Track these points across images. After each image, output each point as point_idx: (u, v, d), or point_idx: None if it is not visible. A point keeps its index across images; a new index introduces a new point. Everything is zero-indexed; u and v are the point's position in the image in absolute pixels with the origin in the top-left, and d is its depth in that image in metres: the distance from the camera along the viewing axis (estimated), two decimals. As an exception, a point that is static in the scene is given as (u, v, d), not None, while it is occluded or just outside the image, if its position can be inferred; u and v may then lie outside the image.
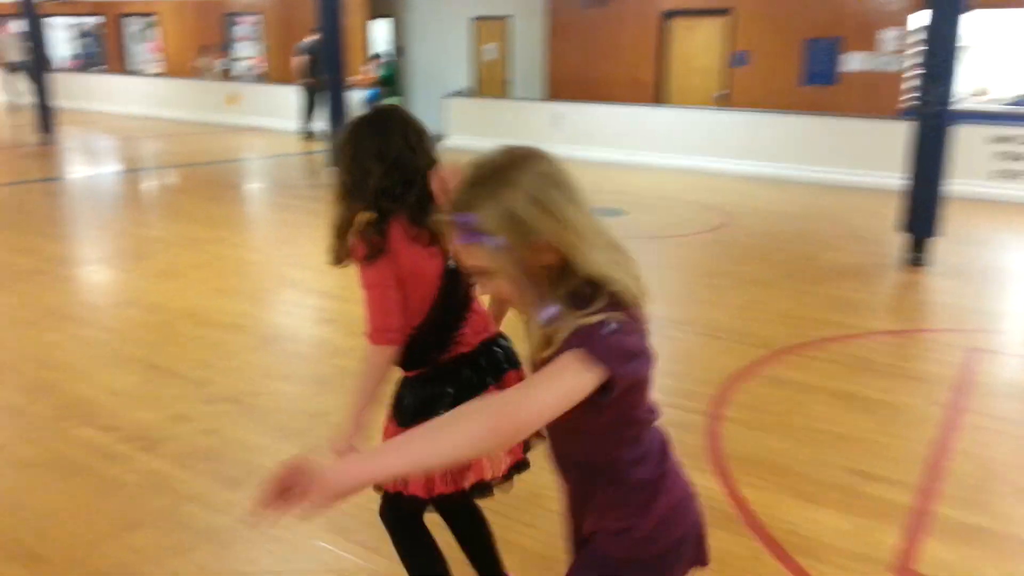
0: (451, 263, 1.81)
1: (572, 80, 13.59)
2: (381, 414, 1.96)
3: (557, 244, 1.22)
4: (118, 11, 18.70)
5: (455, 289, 1.86)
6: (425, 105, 15.19)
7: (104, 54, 20.06)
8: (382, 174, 1.78)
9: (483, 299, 1.98)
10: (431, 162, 1.82)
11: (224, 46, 17.13)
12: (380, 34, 15.69)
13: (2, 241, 6.78)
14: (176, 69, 17.70)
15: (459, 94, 14.12)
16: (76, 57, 20.70)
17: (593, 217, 1.27)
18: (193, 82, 17.09)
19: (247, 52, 17.23)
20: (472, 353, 1.92)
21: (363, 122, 1.88)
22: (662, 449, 1.41)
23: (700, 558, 1.47)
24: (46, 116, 12.75)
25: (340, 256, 1.84)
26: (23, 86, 17.25)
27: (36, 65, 13.03)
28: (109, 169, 11.28)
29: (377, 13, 15.41)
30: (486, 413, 1.16)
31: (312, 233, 7.52)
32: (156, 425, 3.53)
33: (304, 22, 15.55)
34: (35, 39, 12.88)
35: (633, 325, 1.23)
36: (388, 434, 1.94)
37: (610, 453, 1.36)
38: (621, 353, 1.19)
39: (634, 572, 1.40)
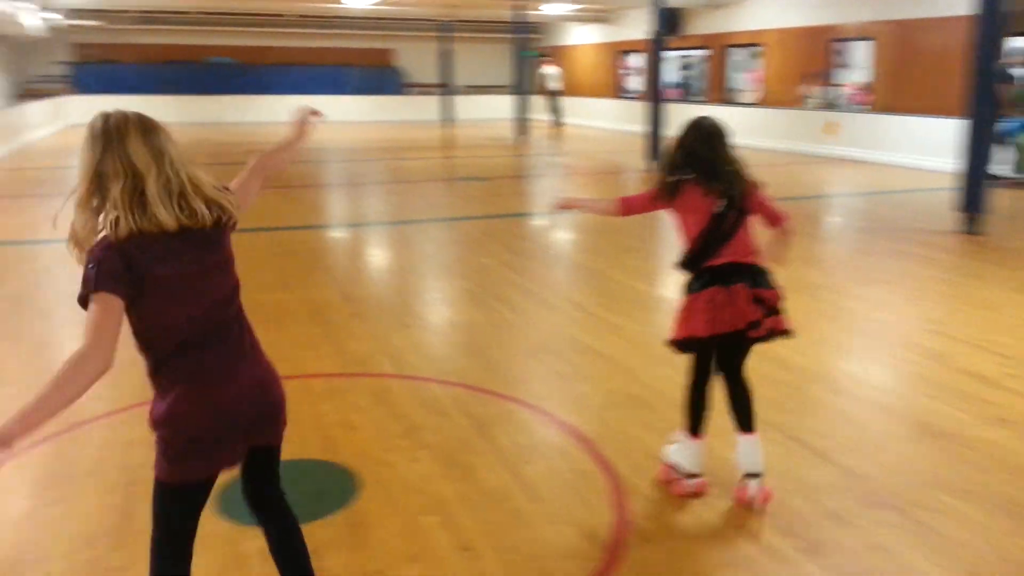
0: (717, 209, 2.95)
1: None
2: None
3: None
4: (726, 42, 19.46)
5: (719, 226, 2.96)
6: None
7: (703, 84, 21.16)
8: (680, 155, 3.03)
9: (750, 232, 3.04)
10: (717, 154, 2.98)
11: (827, 74, 16.49)
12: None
13: (628, 265, 7.16)
14: (772, 98, 17.69)
15: None
16: (676, 86, 22.25)
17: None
18: (788, 111, 16.87)
19: (852, 79, 16.32)
20: (719, 266, 2.97)
21: (685, 125, 3.07)
22: (187, 369, 1.87)
23: (218, 460, 1.95)
24: (655, 143, 13.71)
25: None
26: (556, 110, 22.18)
27: (652, 95, 14.14)
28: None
29: (1015, 30, 13.09)
30: (69, 362, 1.72)
31: (948, 292, 6.41)
32: (814, 522, 3.00)
33: (922, 46, 14.05)
34: (653, 71, 13.95)
35: (108, 256, 1.77)
36: (681, 304, 3.06)
37: (142, 351, 1.91)
38: (90, 280, 1.76)
39: (163, 451, 1.90)
